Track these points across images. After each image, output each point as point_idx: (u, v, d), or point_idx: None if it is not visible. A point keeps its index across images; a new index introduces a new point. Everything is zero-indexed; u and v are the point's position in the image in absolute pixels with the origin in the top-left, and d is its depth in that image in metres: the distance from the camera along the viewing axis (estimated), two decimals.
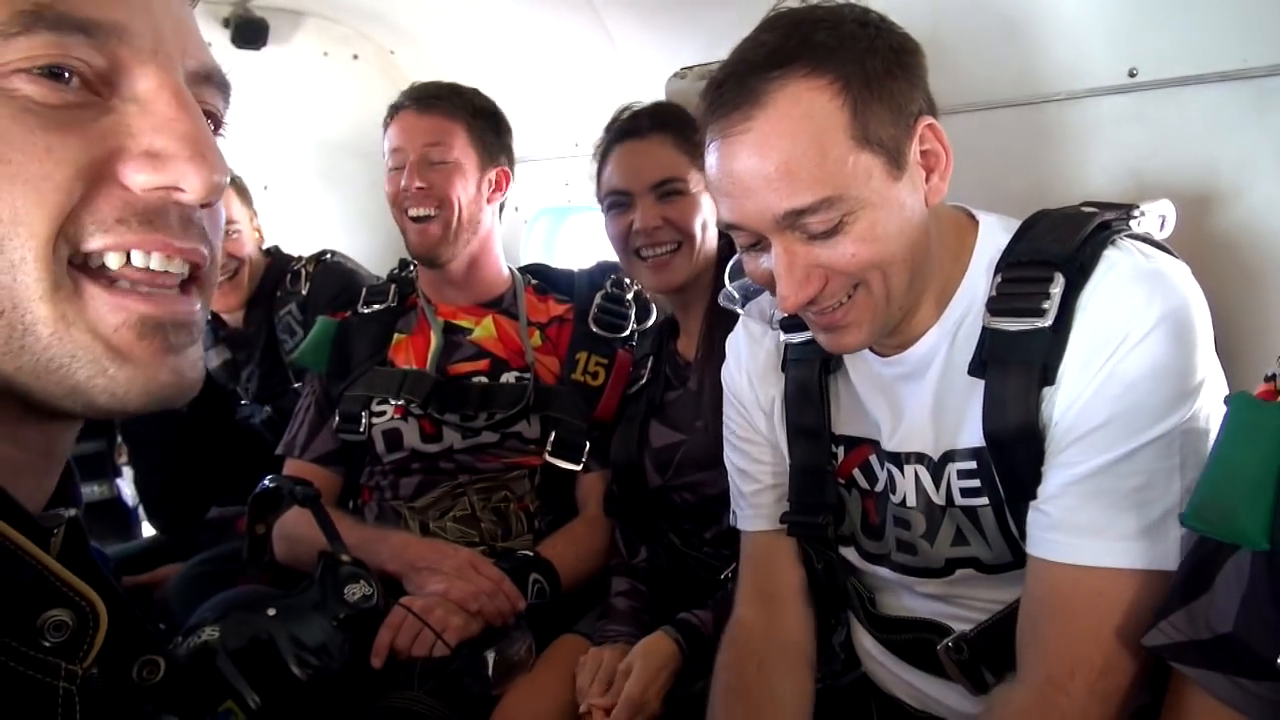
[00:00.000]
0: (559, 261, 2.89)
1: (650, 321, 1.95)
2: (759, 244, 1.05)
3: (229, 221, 2.34)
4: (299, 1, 2.84)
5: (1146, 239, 1.06)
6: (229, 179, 0.60)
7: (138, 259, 0.58)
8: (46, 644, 0.56)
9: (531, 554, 1.70)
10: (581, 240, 2.86)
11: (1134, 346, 0.96)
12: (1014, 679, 1.03)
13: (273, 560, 1.81)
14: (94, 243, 0.57)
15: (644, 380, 1.78)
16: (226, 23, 2.70)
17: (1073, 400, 0.99)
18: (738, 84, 0.99)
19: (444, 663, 1.50)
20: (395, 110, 1.88)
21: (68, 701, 0.56)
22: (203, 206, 0.61)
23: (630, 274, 1.83)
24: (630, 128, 1.67)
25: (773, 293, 1.06)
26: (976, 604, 1.14)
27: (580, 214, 2.81)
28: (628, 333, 1.90)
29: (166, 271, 0.59)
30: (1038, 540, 1.01)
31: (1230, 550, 0.78)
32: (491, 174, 1.89)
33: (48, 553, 0.57)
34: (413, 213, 1.82)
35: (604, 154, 1.71)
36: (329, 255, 2.45)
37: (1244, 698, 0.78)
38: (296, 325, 2.31)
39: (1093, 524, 0.96)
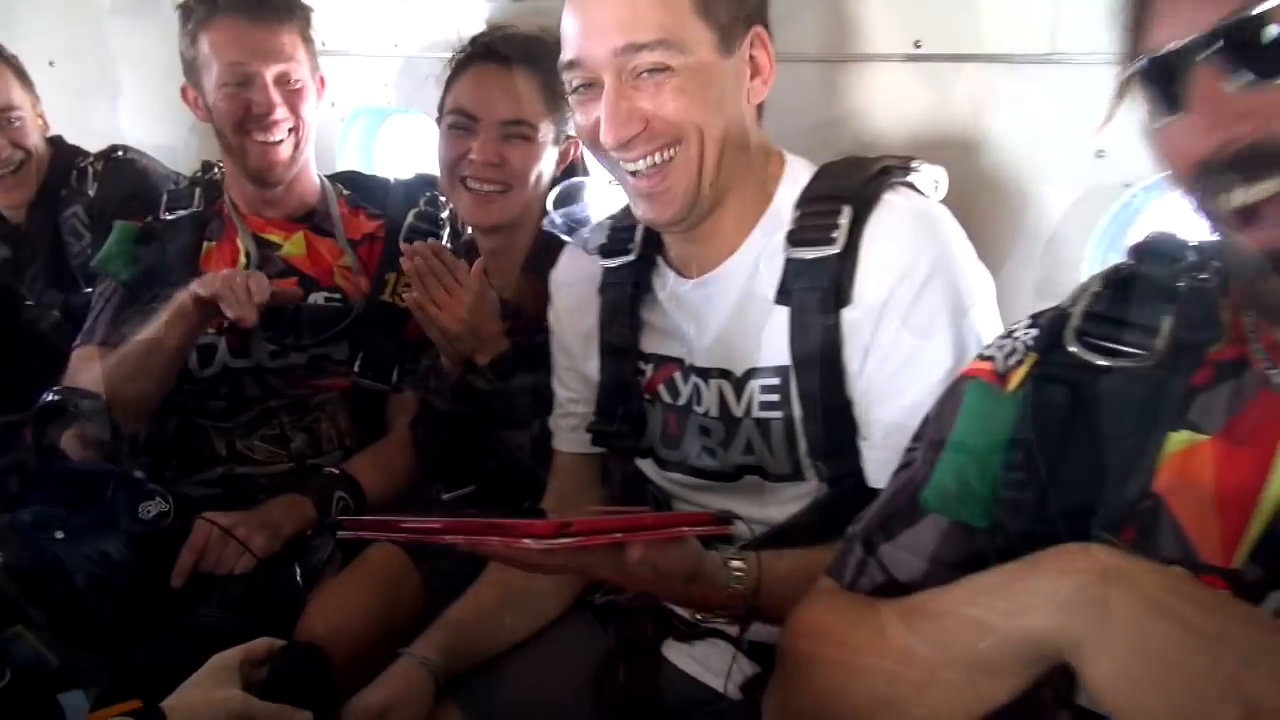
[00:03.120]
0: (377, 166, 2.84)
1: (463, 239, 1.94)
2: (590, 88, 1.14)
3: (8, 108, 2.16)
4: None
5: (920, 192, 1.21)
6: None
7: None
8: None
9: (337, 471, 1.73)
10: (399, 146, 2.79)
11: (914, 285, 1.11)
12: None
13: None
14: None
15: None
16: None
17: (862, 328, 1.13)
18: None
19: (247, 578, 1.53)
20: (215, 10, 1.72)
21: None
22: None
23: (449, 198, 1.80)
24: (500, 52, 1.62)
25: (594, 148, 1.17)
26: (757, 520, 1.25)
27: (399, 116, 2.74)
28: None
29: None
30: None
31: (922, 510, 0.89)
32: (317, 80, 1.84)
33: None
34: (263, 137, 1.74)
35: (461, 66, 1.65)
36: (120, 152, 2.28)
37: None
38: (83, 228, 2.19)
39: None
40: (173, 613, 1.49)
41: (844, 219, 1.14)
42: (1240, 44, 0.65)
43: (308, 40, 1.80)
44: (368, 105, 2.73)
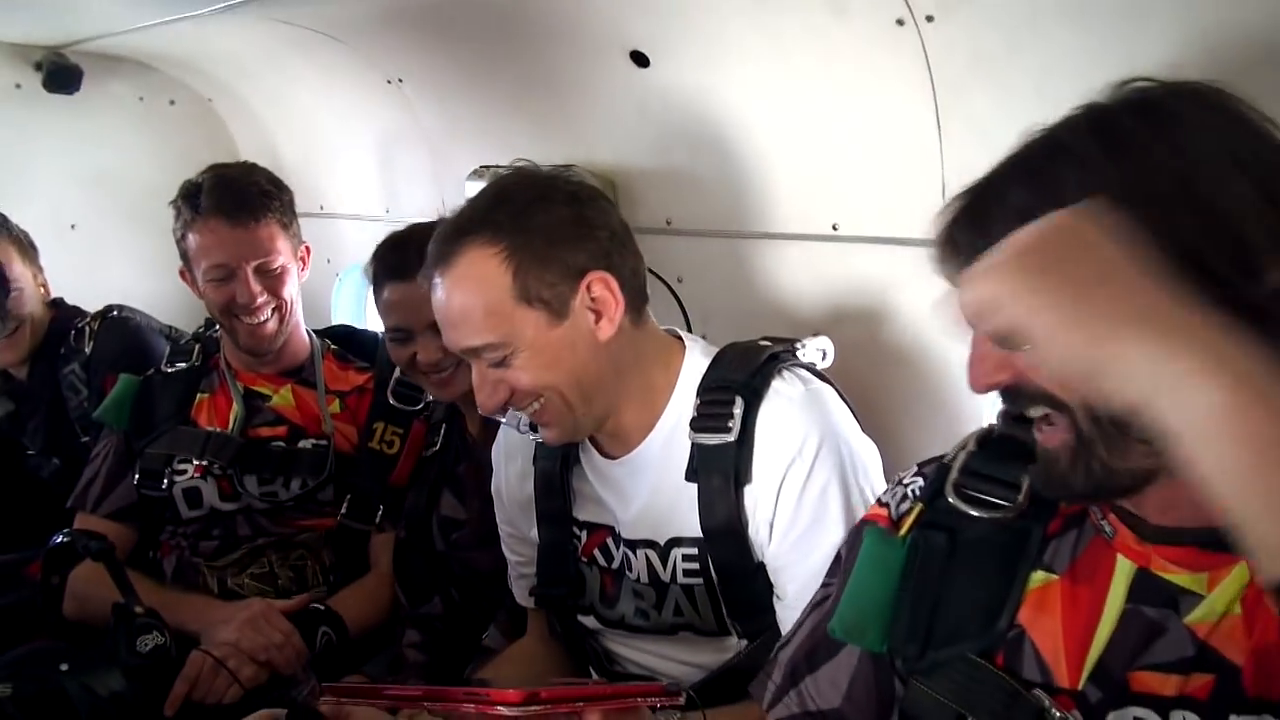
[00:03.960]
0: (370, 319, 3.05)
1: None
2: (462, 362, 1.32)
3: (9, 281, 2.33)
4: (115, 47, 2.87)
5: (809, 367, 1.37)
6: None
7: None
8: None
9: (322, 607, 1.85)
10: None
11: (806, 463, 1.26)
12: None
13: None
14: None
15: (437, 447, 1.93)
16: (39, 66, 2.71)
17: (764, 505, 1.27)
18: (439, 244, 1.28)
19: (235, 710, 1.64)
20: (198, 214, 1.88)
21: None
22: None
23: (416, 383, 1.91)
24: (401, 268, 1.69)
25: None
26: (692, 664, 1.41)
27: None
28: (422, 404, 2.05)
29: None
30: None
31: (839, 645, 1.03)
32: (299, 254, 2.02)
33: None
34: (250, 320, 1.91)
35: (377, 284, 1.78)
36: (115, 312, 2.47)
37: None
38: (80, 384, 2.35)
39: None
40: None
41: (737, 409, 1.27)
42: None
43: (287, 226, 1.95)
44: (359, 263, 2.96)
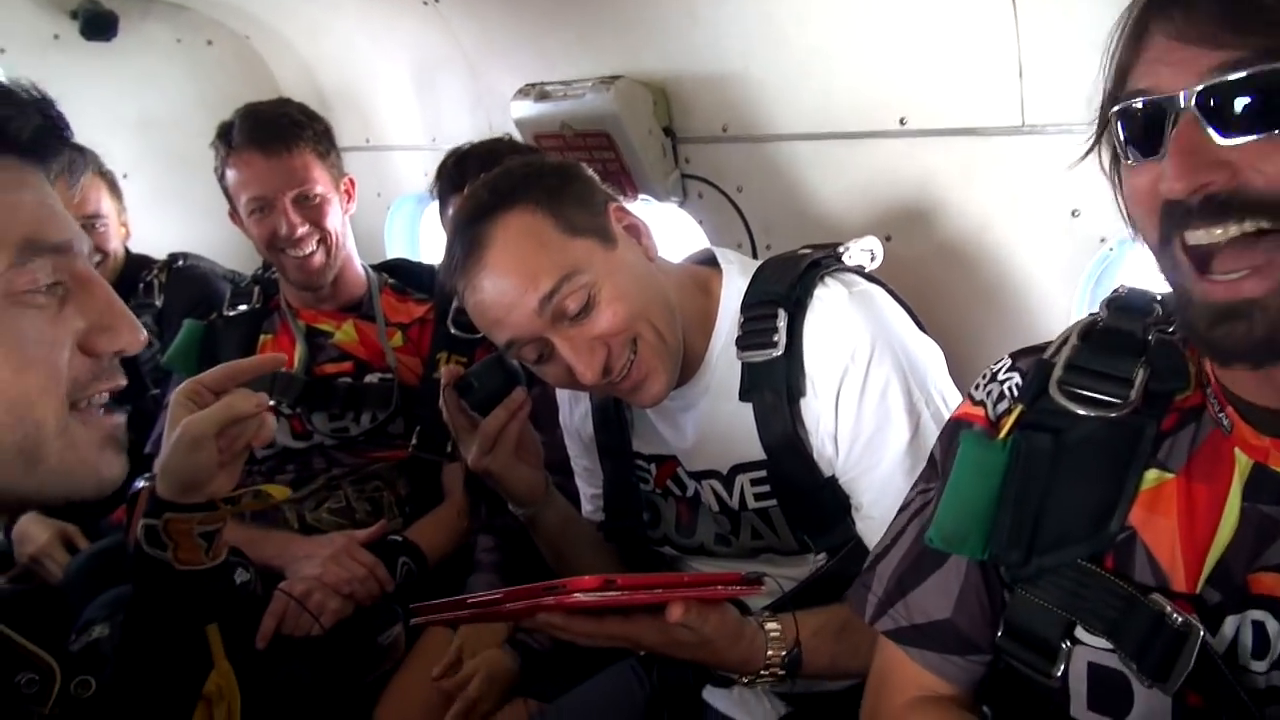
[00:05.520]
0: (423, 249, 3.04)
1: None
2: (544, 353, 1.24)
3: (96, 215, 2.41)
4: None
5: (856, 270, 1.32)
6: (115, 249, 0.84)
7: (104, 397, 0.84)
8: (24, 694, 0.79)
9: (400, 539, 1.87)
10: (439, 229, 2.99)
11: (861, 368, 1.22)
12: None
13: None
14: (79, 395, 0.82)
15: None
16: (74, 15, 2.68)
17: (824, 417, 1.24)
18: (463, 237, 1.23)
19: (321, 643, 1.68)
20: (231, 148, 1.89)
21: None
22: None
23: None
24: (465, 182, 1.68)
25: (574, 388, 1.30)
26: (774, 581, 1.38)
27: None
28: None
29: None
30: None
31: (944, 554, 0.99)
32: (343, 187, 2.00)
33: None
34: (295, 252, 1.91)
35: (443, 200, 1.80)
36: (179, 261, 2.50)
37: (951, 669, 1.00)
38: (153, 337, 2.38)
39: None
40: (260, 671, 1.64)
41: (781, 322, 1.25)
42: (1225, 100, 0.69)
43: (324, 155, 1.94)
44: (409, 194, 2.94)
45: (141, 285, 2.50)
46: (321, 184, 1.92)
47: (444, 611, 1.13)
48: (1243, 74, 0.68)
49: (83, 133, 0.91)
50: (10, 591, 2.03)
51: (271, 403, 1.92)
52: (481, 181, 1.29)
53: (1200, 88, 0.69)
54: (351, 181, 2.04)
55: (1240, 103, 0.68)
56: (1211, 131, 0.69)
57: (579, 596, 0.94)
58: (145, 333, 0.85)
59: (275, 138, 1.87)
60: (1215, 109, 0.69)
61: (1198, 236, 0.72)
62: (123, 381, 0.86)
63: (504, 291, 1.20)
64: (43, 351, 0.79)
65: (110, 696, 0.89)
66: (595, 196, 1.28)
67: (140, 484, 1.88)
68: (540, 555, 1.77)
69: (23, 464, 0.79)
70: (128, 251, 2.58)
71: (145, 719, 0.99)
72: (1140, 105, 0.74)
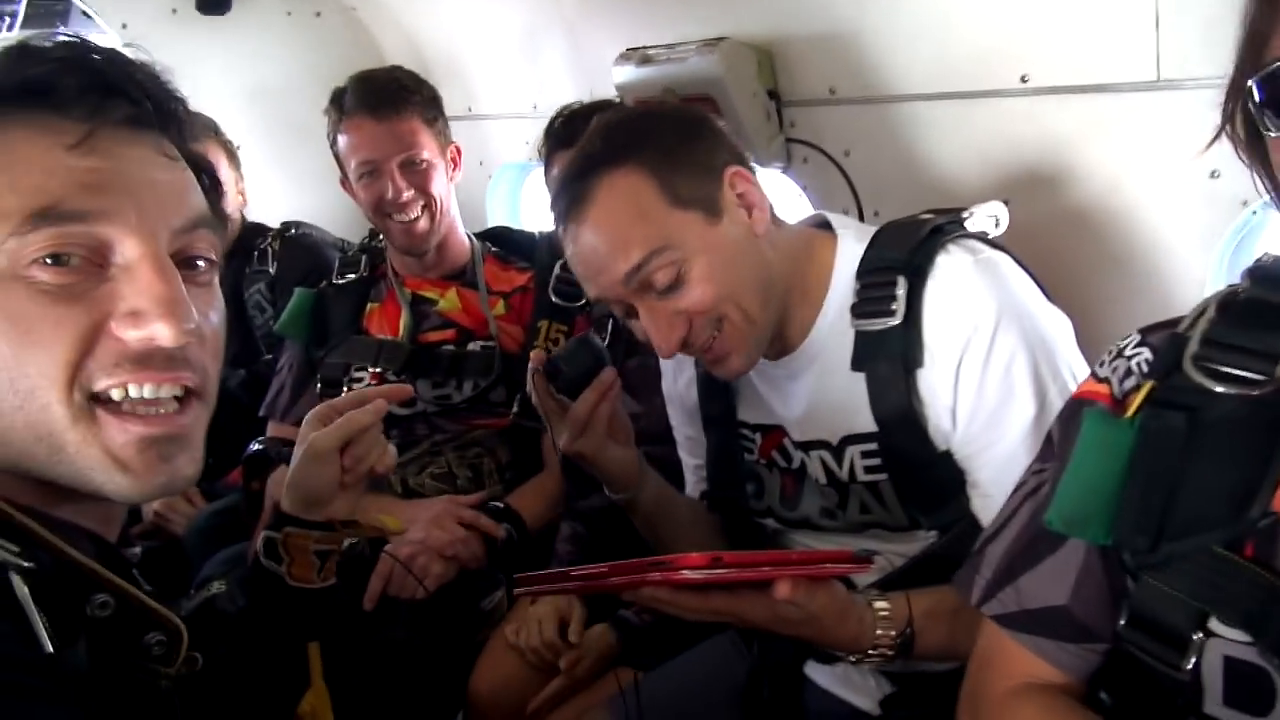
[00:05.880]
0: (524, 218, 3.05)
1: None
2: (629, 312, 1.24)
3: (220, 182, 2.46)
4: None
5: (979, 237, 1.25)
6: (193, 325, 0.75)
7: (134, 391, 0.75)
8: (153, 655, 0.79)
9: (501, 505, 1.90)
10: (540, 196, 2.99)
11: (984, 340, 1.16)
12: None
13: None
14: (99, 384, 0.74)
15: (605, 342, 1.91)
16: None
17: (942, 390, 1.19)
18: (569, 189, 1.22)
19: (426, 605, 1.72)
20: (344, 113, 1.93)
21: (168, 695, 0.80)
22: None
23: None
24: (573, 139, 1.63)
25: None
26: (883, 557, 1.34)
27: (539, 170, 2.93)
28: (585, 299, 2.01)
29: (158, 398, 0.76)
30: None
31: (1061, 538, 0.93)
32: (449, 154, 2.02)
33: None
34: (401, 217, 1.94)
35: (548, 159, 1.80)
36: (293, 230, 2.56)
37: (1062, 656, 0.95)
38: (266, 304, 2.46)
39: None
40: (368, 631, 1.69)
41: (900, 290, 1.19)
42: None
43: (432, 121, 1.97)
44: (511, 162, 2.95)
45: (256, 253, 2.57)
46: (428, 150, 1.95)
47: (548, 583, 1.13)
48: None
49: (200, 107, 0.90)
50: (141, 551, 2.13)
51: (378, 370, 1.99)
52: (600, 125, 1.27)
53: None
54: (458, 149, 2.07)
55: None
56: None
57: (686, 574, 0.93)
58: (191, 323, 0.75)
59: (385, 102, 1.91)
60: None
61: None
62: (166, 376, 0.76)
63: (596, 252, 1.20)
64: (45, 332, 0.72)
65: (216, 675, 0.90)
66: (715, 159, 1.23)
67: (254, 447, 1.97)
68: (617, 548, 1.77)
69: (44, 449, 0.74)
70: (244, 219, 2.66)
71: None
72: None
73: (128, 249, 0.75)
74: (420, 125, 1.94)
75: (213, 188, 0.86)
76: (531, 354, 1.40)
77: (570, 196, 1.22)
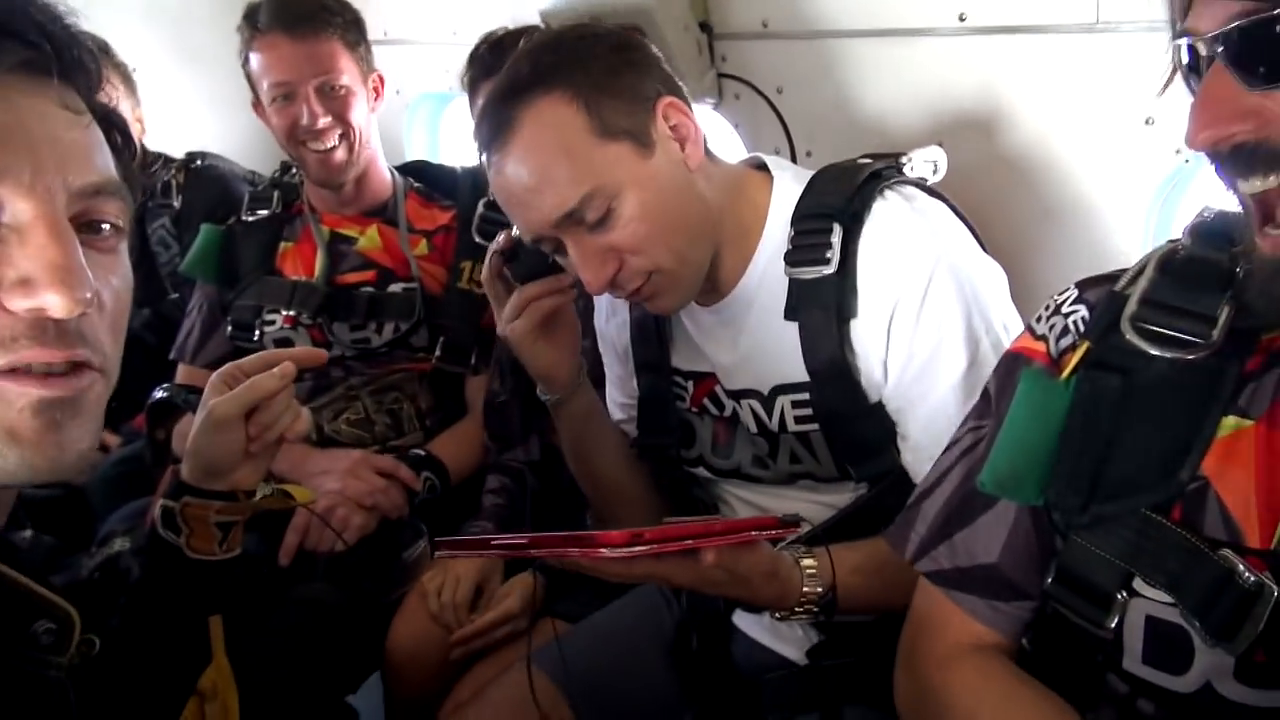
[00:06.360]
0: (443, 151, 2.93)
1: None
2: (558, 248, 1.19)
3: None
4: None
5: (917, 183, 1.22)
6: (89, 294, 0.67)
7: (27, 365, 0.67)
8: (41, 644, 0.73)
9: (423, 453, 1.84)
10: (462, 128, 2.88)
11: (918, 291, 1.14)
12: None
13: (176, 463, 1.90)
14: None
15: None
16: None
17: (875, 341, 1.17)
18: (494, 115, 1.15)
19: (346, 557, 1.66)
20: (257, 30, 1.81)
21: (60, 686, 0.74)
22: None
23: None
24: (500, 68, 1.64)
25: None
26: (810, 509, 1.32)
27: (461, 100, 2.81)
28: None
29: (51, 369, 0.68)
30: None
31: (994, 497, 0.93)
32: (371, 82, 1.91)
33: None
34: (316, 146, 1.83)
35: (473, 88, 1.70)
36: (198, 161, 2.41)
37: (995, 615, 0.95)
38: (171, 239, 2.32)
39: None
40: (283, 586, 1.63)
41: (835, 238, 1.16)
42: (1250, 46, 0.66)
43: (354, 45, 1.86)
44: (430, 91, 2.82)
45: (159, 186, 2.41)
46: (348, 75, 1.84)
47: (468, 549, 1.09)
48: (1265, 18, 0.64)
49: (90, 24, 0.79)
50: (41, 497, 2.02)
51: (291, 313, 1.90)
52: (529, 46, 1.19)
53: (1221, 32, 0.66)
54: (381, 78, 1.96)
55: (1266, 49, 0.65)
56: (1238, 80, 0.66)
57: (605, 553, 0.90)
58: (86, 292, 0.67)
59: (303, 20, 1.79)
60: (1240, 56, 0.66)
61: (1250, 186, 0.69)
62: (58, 354, 0.68)
63: (523, 188, 1.15)
64: None
65: (112, 659, 0.84)
66: (648, 88, 1.17)
67: (159, 394, 1.87)
68: (546, 503, 1.74)
69: None
70: (144, 149, 2.48)
71: (135, 705, 0.95)
72: (1187, 45, 0.71)
73: (19, 210, 0.66)
74: (341, 48, 1.83)
75: (125, 146, 0.77)
76: (500, 234, 1.33)
77: (494, 123, 1.15)
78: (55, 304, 0.66)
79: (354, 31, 1.87)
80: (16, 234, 0.66)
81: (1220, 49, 0.67)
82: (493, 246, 1.32)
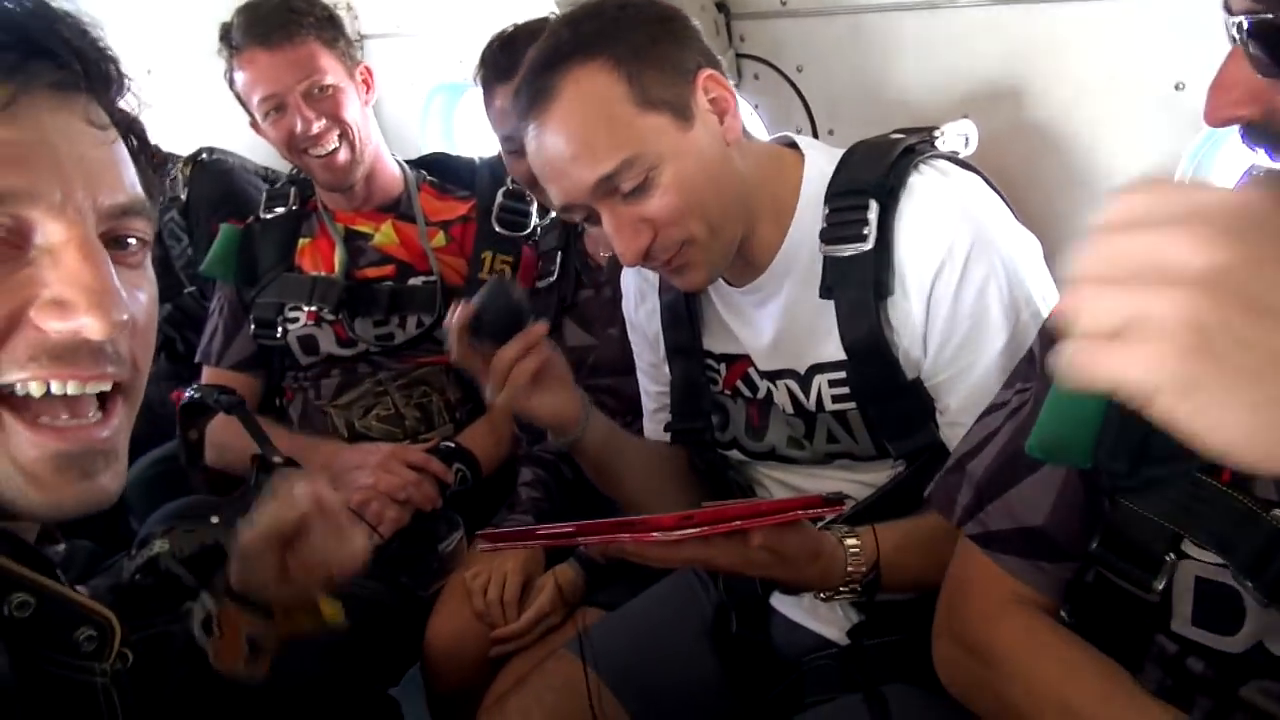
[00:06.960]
0: (458, 140, 2.92)
1: (552, 215, 2.01)
2: (590, 217, 1.18)
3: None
4: None
5: (949, 157, 1.21)
6: (125, 316, 0.67)
7: (55, 388, 0.67)
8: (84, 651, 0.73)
9: (453, 445, 1.84)
10: (479, 119, 2.86)
11: (957, 265, 1.13)
12: None
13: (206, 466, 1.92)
14: (10, 376, 0.66)
15: (554, 277, 1.84)
16: None
17: (913, 317, 1.16)
18: (531, 85, 1.14)
19: (382, 551, 1.67)
20: (235, 49, 1.80)
21: (106, 691, 0.74)
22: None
23: (535, 196, 1.84)
24: (513, 69, 1.52)
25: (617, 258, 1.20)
26: (847, 488, 1.31)
27: (476, 90, 2.80)
28: (530, 229, 1.97)
29: (82, 395, 0.68)
30: None
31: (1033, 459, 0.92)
32: (358, 76, 1.90)
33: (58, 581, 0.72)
34: (317, 151, 1.82)
35: (488, 90, 1.67)
36: (204, 155, 2.40)
37: (1039, 576, 0.95)
38: (180, 231, 2.32)
39: None
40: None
41: (871, 214, 1.15)
42: (1262, 33, 0.67)
43: (332, 42, 1.83)
44: (445, 83, 2.81)
45: (167, 180, 2.42)
46: (332, 73, 1.82)
47: (512, 540, 1.08)
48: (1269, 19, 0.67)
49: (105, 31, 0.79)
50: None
51: (313, 308, 1.90)
52: (568, 16, 1.18)
53: (1241, 18, 0.69)
54: (368, 70, 1.94)
55: (1274, 44, 0.68)
56: (1249, 64, 0.69)
57: (657, 536, 0.90)
58: (124, 315, 0.67)
59: (275, 29, 1.77)
60: (1254, 42, 0.68)
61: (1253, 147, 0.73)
62: (91, 374, 0.68)
63: (561, 156, 1.13)
64: None
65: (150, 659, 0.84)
66: (688, 60, 1.16)
67: (189, 393, 1.88)
68: (581, 493, 1.70)
69: None
70: (159, 151, 2.49)
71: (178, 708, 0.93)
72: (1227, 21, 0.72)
73: (51, 231, 0.66)
74: (319, 48, 1.81)
75: (141, 149, 0.77)
76: (457, 311, 1.28)
77: (533, 91, 1.14)
78: (92, 327, 0.66)
79: (329, 28, 1.84)
80: (49, 255, 0.67)
81: (1237, 31, 0.69)
82: (455, 323, 1.27)
